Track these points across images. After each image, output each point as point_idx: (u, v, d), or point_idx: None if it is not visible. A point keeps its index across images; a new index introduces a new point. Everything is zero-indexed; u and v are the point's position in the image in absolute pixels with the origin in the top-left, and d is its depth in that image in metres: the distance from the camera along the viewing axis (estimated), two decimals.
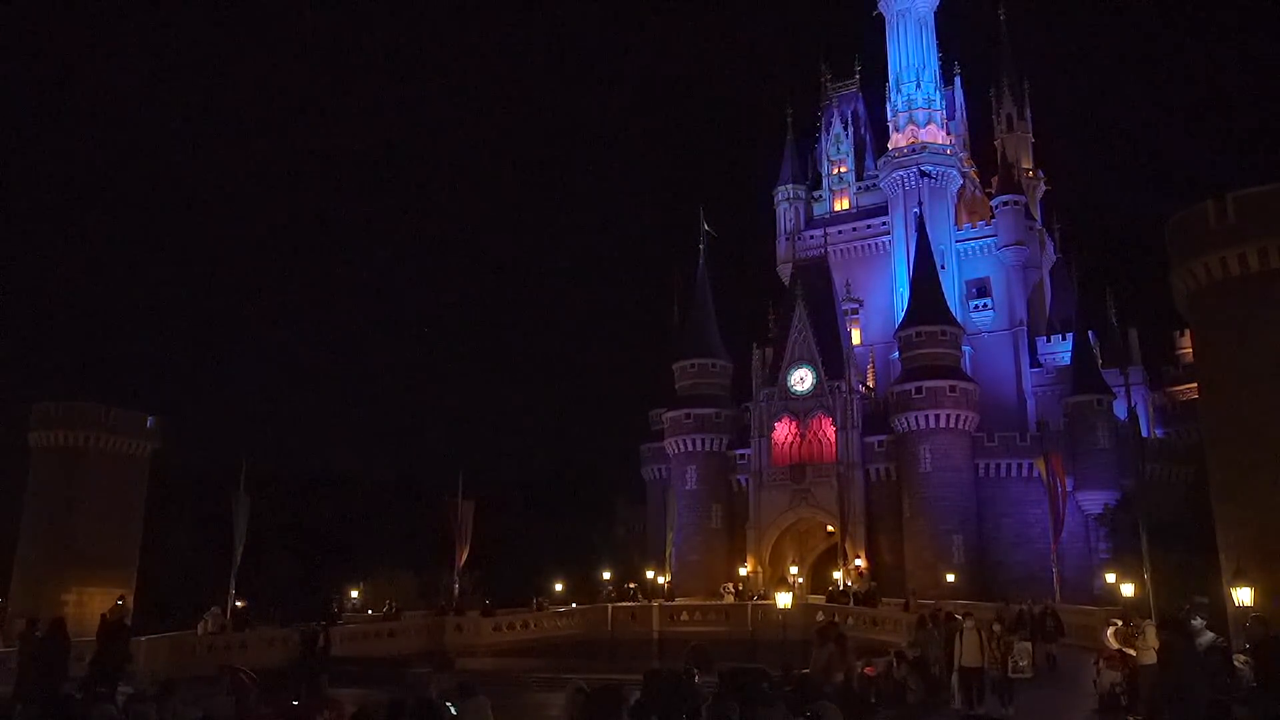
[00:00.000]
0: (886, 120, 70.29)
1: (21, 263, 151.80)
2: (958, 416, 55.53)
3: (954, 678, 18.68)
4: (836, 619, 32.48)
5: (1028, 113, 77.31)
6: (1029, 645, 20.95)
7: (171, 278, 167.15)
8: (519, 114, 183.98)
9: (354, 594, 64.84)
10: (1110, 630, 22.12)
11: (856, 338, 66.40)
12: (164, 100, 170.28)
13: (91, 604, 52.46)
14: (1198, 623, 16.44)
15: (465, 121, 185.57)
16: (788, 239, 72.55)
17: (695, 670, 13.18)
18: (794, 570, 56.01)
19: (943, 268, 62.87)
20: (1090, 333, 60.62)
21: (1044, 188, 76.33)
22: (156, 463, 59.24)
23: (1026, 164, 75.56)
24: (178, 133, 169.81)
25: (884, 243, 69.11)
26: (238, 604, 44.44)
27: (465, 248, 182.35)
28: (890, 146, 68.64)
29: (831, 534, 57.07)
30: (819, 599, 47.95)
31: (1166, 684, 12.80)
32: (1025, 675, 19.45)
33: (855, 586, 48.33)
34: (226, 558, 43.83)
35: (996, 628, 20.13)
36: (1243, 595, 25.58)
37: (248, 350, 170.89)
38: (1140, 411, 59.59)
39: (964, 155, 71.86)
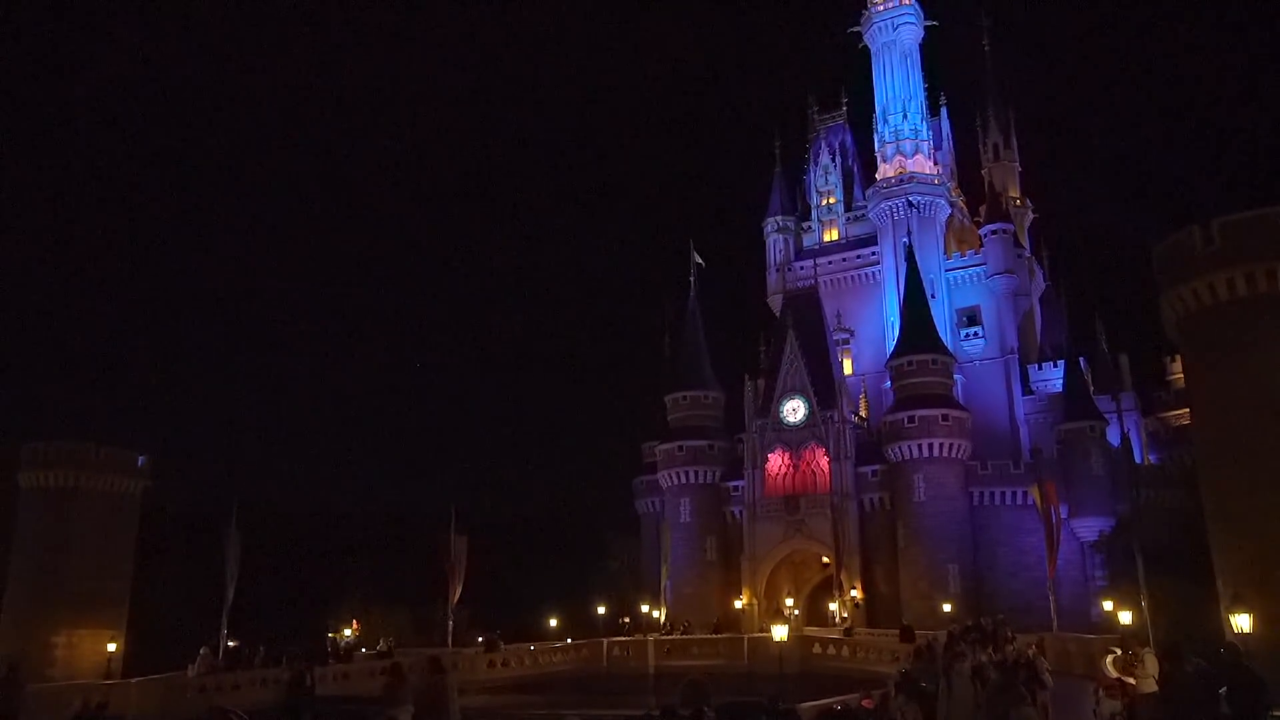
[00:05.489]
0: (874, 151, 70.89)
1: (10, 301, 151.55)
2: (950, 445, 55.51)
3: None
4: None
5: (1014, 141, 78.06)
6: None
7: (162, 316, 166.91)
8: (510, 145, 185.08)
9: (347, 631, 64.26)
10: (1109, 659, 21.85)
11: (848, 368, 66.51)
12: (162, 127, 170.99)
13: (82, 646, 51.91)
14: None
15: (456, 154, 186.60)
16: (778, 270, 72.86)
17: (704, 709, 12.80)
18: (789, 602, 55.69)
19: (933, 297, 63.16)
20: (1081, 359, 60.75)
21: (1032, 215, 76.88)
22: (148, 501, 58.76)
23: (1014, 192, 76.19)
24: (171, 165, 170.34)
25: (874, 273, 69.39)
26: (230, 643, 44.02)
27: (456, 281, 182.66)
28: (878, 177, 69.12)
29: (827, 565, 56.77)
30: (816, 630, 47.65)
31: (1167, 713, 12.70)
32: None
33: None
34: (219, 596, 43.50)
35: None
36: (1241, 621, 25.48)
37: (239, 388, 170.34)
38: (1133, 437, 59.74)
39: (952, 184, 72.42)
